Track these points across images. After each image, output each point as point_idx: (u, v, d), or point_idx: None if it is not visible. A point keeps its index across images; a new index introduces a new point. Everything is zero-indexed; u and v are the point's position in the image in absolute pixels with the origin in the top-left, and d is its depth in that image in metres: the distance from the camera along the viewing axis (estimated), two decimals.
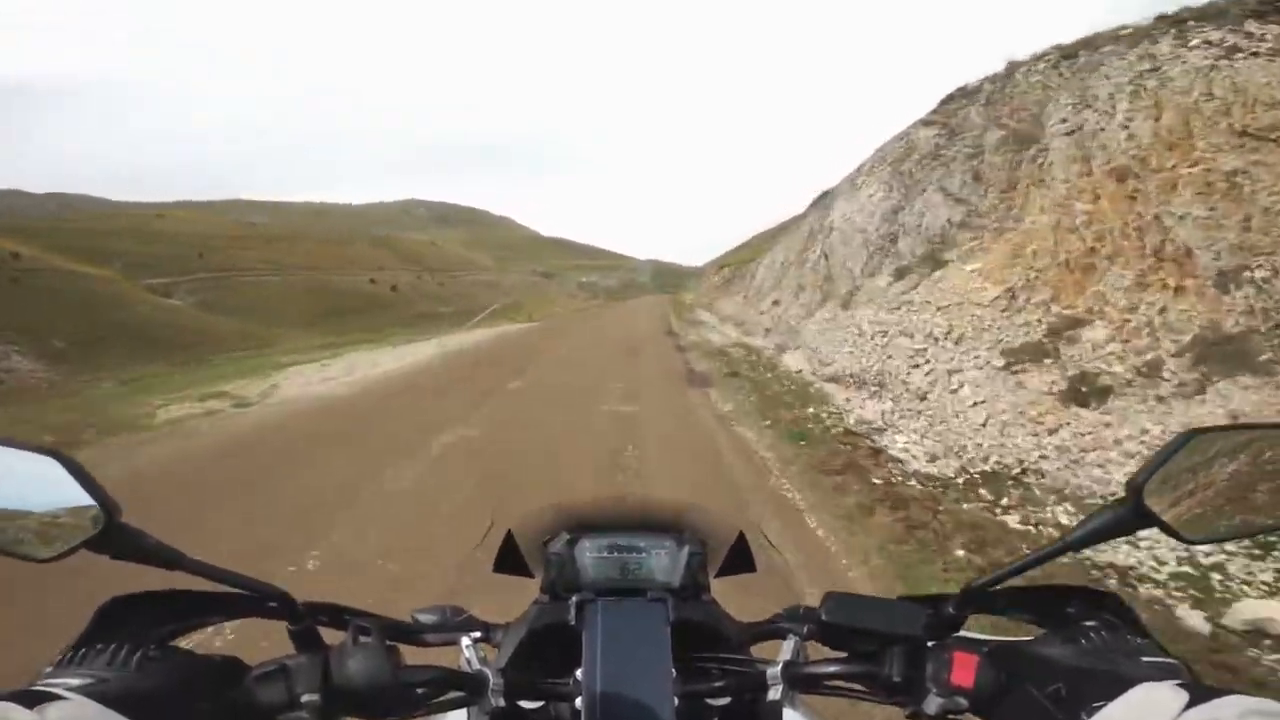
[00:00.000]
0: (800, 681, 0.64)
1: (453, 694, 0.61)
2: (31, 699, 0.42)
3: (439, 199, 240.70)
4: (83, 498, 0.50)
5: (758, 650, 0.74)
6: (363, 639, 0.56)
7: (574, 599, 0.69)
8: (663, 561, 0.75)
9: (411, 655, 0.62)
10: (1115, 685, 0.47)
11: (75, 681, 0.47)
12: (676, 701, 0.61)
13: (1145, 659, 0.52)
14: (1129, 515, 0.52)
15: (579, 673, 0.64)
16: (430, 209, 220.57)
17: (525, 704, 0.68)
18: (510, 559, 0.80)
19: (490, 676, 0.62)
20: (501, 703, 0.63)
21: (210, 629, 0.68)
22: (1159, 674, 0.48)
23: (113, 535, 0.50)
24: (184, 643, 0.56)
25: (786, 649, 0.68)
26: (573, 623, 0.67)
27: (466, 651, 0.69)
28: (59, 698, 0.43)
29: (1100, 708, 0.46)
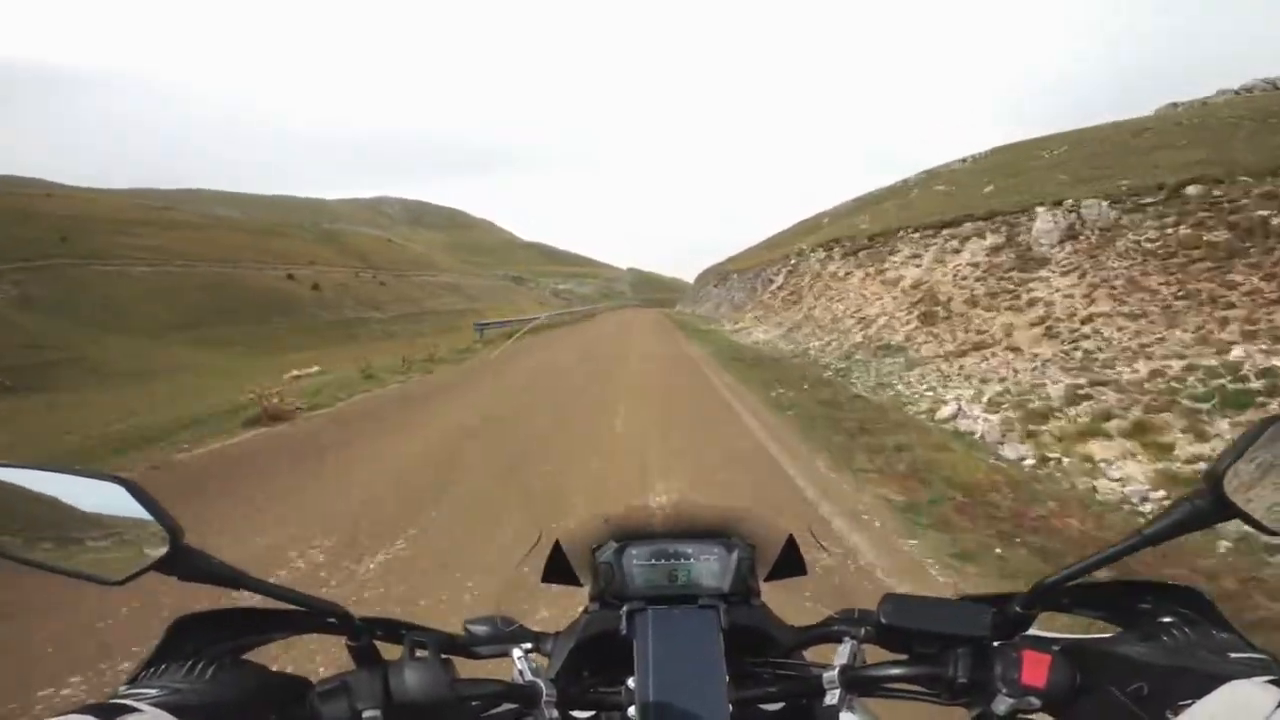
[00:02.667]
0: (860, 684, 0.63)
1: (506, 706, 0.62)
2: (107, 712, 0.43)
3: (416, 198, 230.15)
4: (150, 522, 0.52)
5: (809, 655, 0.73)
6: (419, 653, 0.58)
7: (625, 608, 0.68)
8: (712, 567, 0.74)
9: (463, 667, 0.62)
10: (1203, 683, 0.45)
11: (151, 693, 0.49)
12: (731, 709, 0.60)
13: (1233, 655, 0.49)
14: (1208, 506, 0.50)
15: (631, 681, 0.63)
16: (405, 207, 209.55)
17: (577, 714, 0.67)
18: (559, 568, 0.80)
19: (544, 687, 0.61)
20: (555, 713, 0.62)
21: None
22: (1249, 670, 0.46)
23: (179, 557, 0.52)
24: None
25: (842, 653, 0.66)
26: (624, 631, 0.67)
27: (519, 662, 0.67)
28: (133, 710, 0.44)
29: (1187, 706, 0.44)
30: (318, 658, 2.35)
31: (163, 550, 0.51)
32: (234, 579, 0.53)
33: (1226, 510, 0.49)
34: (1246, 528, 0.51)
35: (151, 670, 0.52)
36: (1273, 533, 0.51)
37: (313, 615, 0.59)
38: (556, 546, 0.80)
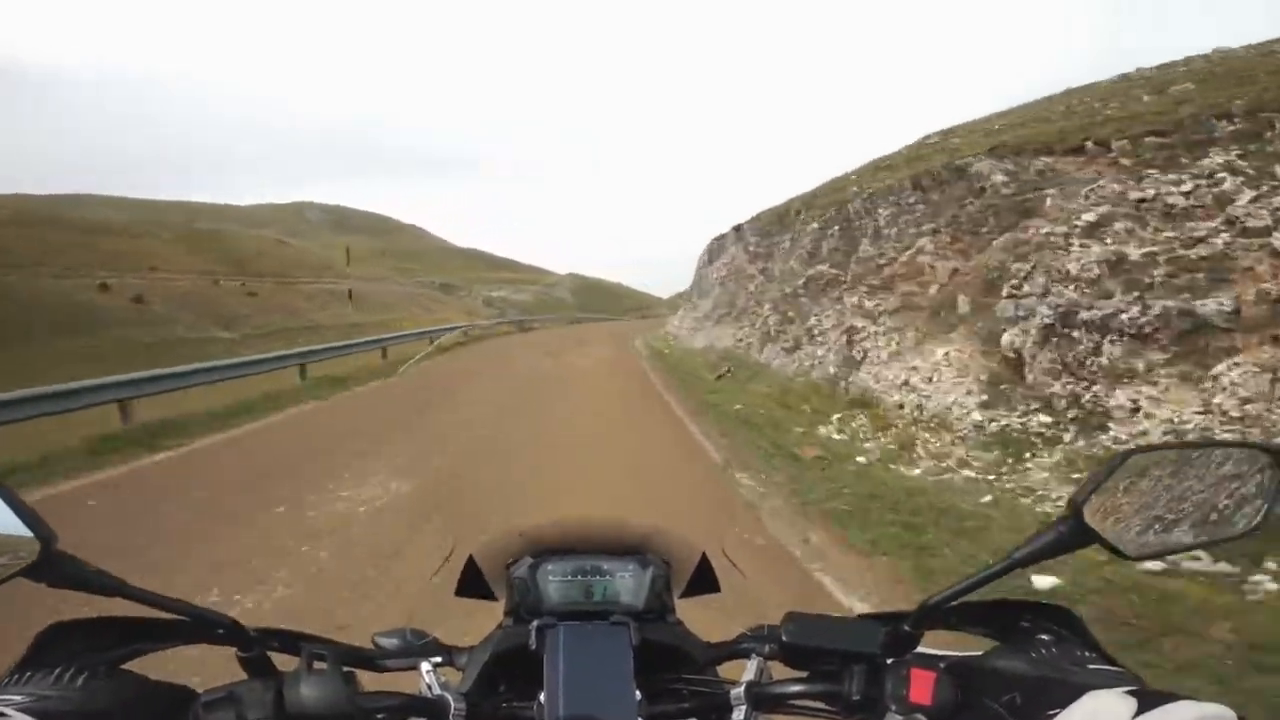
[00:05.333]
0: (763, 701, 0.64)
1: None
2: None
3: (339, 203, 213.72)
4: (17, 526, 0.49)
5: (724, 671, 0.73)
6: (317, 665, 0.56)
7: (535, 624, 0.68)
8: (627, 584, 0.74)
9: (371, 681, 0.62)
10: (1067, 692, 0.48)
11: (15, 699, 0.46)
12: None
13: (1094, 668, 0.53)
14: (1070, 532, 0.54)
15: (542, 697, 0.62)
16: (326, 212, 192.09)
17: None
18: (473, 583, 0.79)
19: (452, 701, 0.60)
20: None
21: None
22: (1108, 681, 0.49)
23: (49, 563, 0.49)
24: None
25: (750, 669, 0.67)
26: (534, 647, 0.66)
27: (427, 676, 0.65)
28: None
29: (1054, 715, 0.47)
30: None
31: (31, 556, 0.48)
32: (109, 586, 0.51)
33: (1087, 536, 0.53)
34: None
35: (15, 678, 0.49)
36: (1129, 557, 0.55)
37: (199, 625, 0.56)
38: (470, 561, 0.78)
